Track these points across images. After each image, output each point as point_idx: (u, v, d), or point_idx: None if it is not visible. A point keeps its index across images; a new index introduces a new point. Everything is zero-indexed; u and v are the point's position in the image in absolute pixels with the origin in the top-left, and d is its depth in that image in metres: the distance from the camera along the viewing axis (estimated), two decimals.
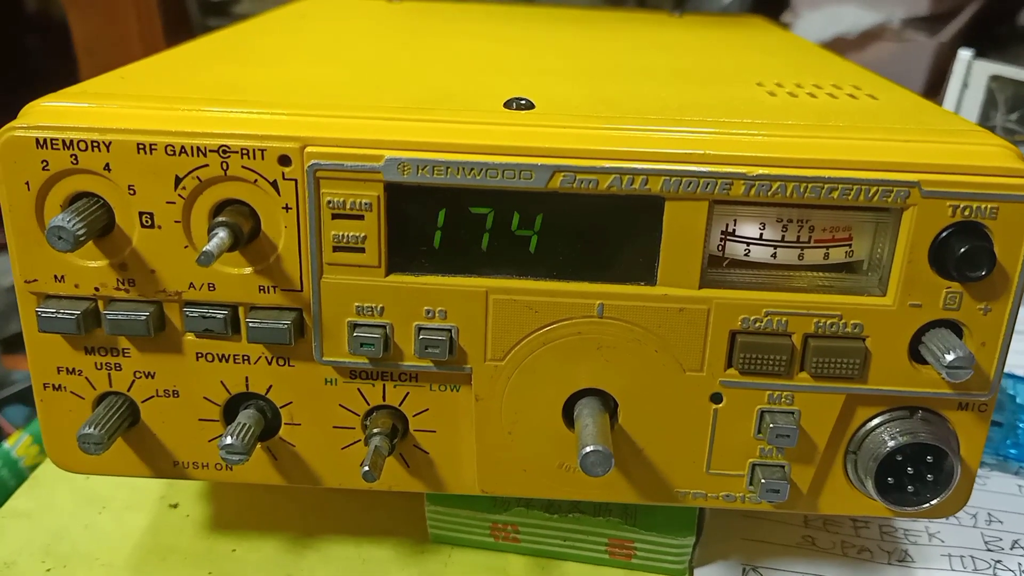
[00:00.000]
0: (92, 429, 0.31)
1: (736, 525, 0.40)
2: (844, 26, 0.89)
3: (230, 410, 0.34)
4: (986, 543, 0.40)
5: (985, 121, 0.68)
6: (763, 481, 0.32)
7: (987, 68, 0.64)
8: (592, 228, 0.30)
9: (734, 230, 0.30)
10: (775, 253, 0.31)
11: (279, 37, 0.47)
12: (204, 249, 0.28)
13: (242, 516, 0.41)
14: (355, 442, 0.34)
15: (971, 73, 0.65)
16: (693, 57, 0.46)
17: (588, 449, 0.29)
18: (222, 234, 0.29)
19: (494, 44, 0.48)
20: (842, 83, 0.38)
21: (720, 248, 0.31)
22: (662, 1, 0.87)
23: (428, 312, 0.31)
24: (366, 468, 0.31)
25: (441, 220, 0.30)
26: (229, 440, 0.31)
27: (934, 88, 0.88)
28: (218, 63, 0.38)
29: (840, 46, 0.87)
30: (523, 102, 0.32)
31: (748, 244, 0.30)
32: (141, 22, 1.04)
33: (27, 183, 0.30)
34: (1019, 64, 0.68)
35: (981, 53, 0.69)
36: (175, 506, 0.41)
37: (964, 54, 0.65)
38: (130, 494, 0.42)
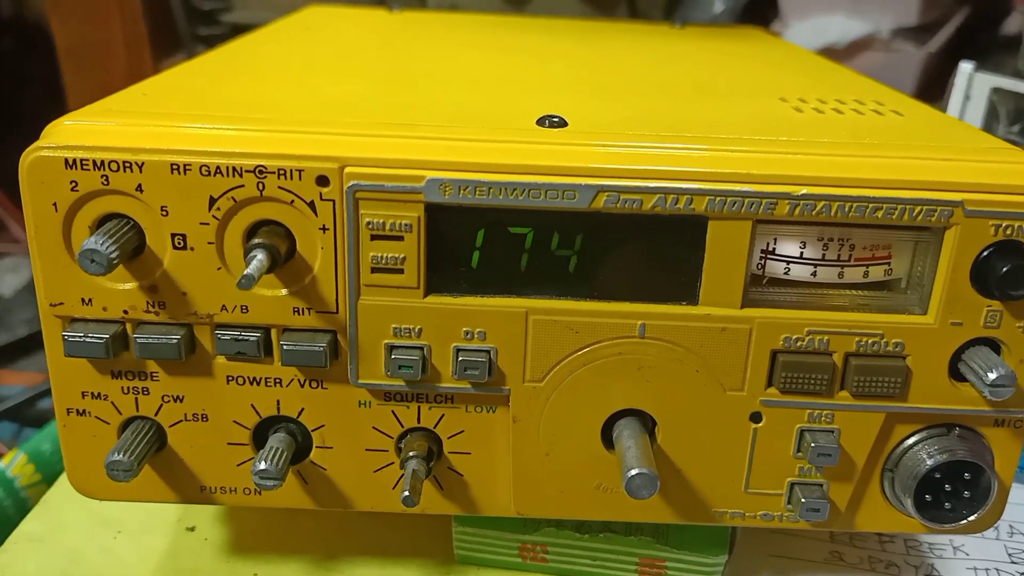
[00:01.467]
0: (121, 456, 0.30)
1: (763, 541, 0.40)
2: (833, 36, 0.90)
3: (259, 434, 0.33)
4: (1010, 555, 0.40)
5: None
6: (803, 500, 0.32)
7: (988, 80, 0.65)
8: (633, 248, 0.30)
9: (774, 248, 0.30)
10: (815, 271, 0.30)
11: (290, 51, 0.46)
12: (245, 273, 0.27)
13: (262, 539, 0.40)
14: (388, 465, 0.33)
15: (972, 85, 0.65)
16: (709, 70, 0.46)
17: (634, 472, 0.29)
18: (260, 256, 0.28)
19: (507, 56, 0.48)
20: (863, 98, 0.39)
21: (760, 267, 0.30)
22: (652, 10, 0.88)
23: (467, 333, 0.31)
24: (406, 493, 0.30)
25: (479, 240, 0.30)
26: (263, 465, 0.30)
27: (923, 98, 0.89)
28: (237, 78, 0.38)
29: (829, 56, 0.88)
30: (555, 119, 0.32)
31: (788, 263, 0.30)
32: (125, 27, 1.03)
33: (55, 204, 0.29)
34: (1003, 72, 0.69)
35: (966, 57, 0.69)
36: (192, 529, 0.41)
37: (965, 67, 0.65)
38: (146, 517, 0.41)
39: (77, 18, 1.03)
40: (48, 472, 0.64)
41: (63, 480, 0.44)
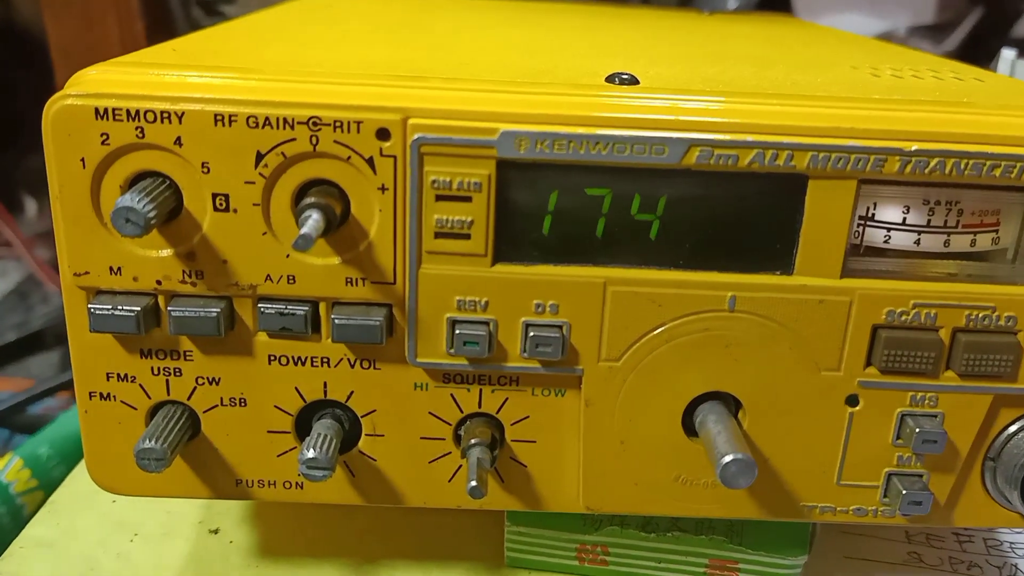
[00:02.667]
0: (154, 443, 0.27)
1: (838, 542, 0.37)
2: None
3: (301, 422, 0.30)
4: None
5: None
6: (903, 492, 0.29)
7: None
8: (722, 211, 0.27)
9: (874, 214, 0.28)
10: (919, 239, 0.28)
11: (323, 20, 0.43)
12: (302, 232, 0.24)
13: (292, 541, 0.37)
14: (444, 455, 0.30)
15: (1015, 72, 0.63)
16: (764, 46, 0.44)
17: (728, 458, 0.26)
18: (316, 216, 0.25)
19: (549, 31, 0.45)
20: (935, 68, 0.36)
21: (857, 234, 0.28)
22: (664, 5, 0.86)
23: (538, 307, 0.28)
24: (473, 483, 0.27)
25: (552, 203, 0.27)
26: (311, 453, 0.27)
27: None
28: (275, 43, 0.35)
29: None
30: (626, 77, 0.29)
31: (889, 229, 0.28)
32: (121, 25, 1.00)
33: (82, 160, 0.26)
34: None
35: (976, 63, 0.68)
36: (216, 531, 0.37)
37: (1008, 54, 0.63)
38: (164, 519, 0.38)
39: (72, 17, 1.00)
40: (45, 478, 0.61)
41: (71, 480, 0.41)
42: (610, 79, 0.29)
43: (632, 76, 0.29)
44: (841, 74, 0.33)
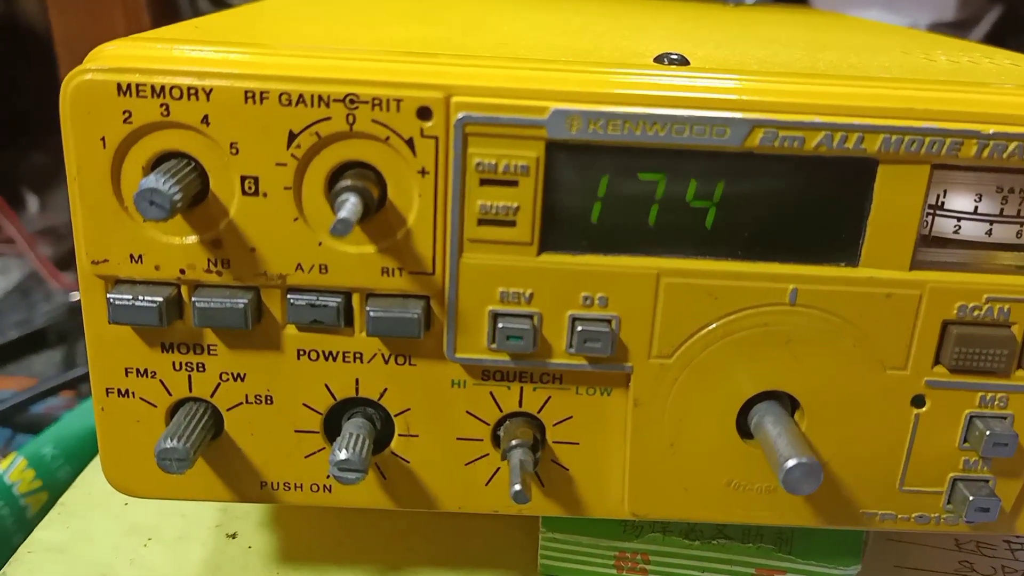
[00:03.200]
0: (176, 442, 0.26)
1: (885, 551, 0.35)
2: None
3: (330, 421, 0.28)
4: None
5: None
6: (970, 499, 0.27)
7: None
8: (784, 198, 0.26)
9: (943, 203, 0.26)
10: (991, 229, 0.26)
11: (345, 3, 0.42)
12: (340, 216, 0.23)
13: (313, 547, 0.35)
14: (482, 456, 0.28)
15: None
16: (806, 31, 0.42)
17: (792, 462, 0.24)
18: (354, 199, 0.23)
19: (585, 17, 0.43)
20: (989, 55, 0.34)
21: (926, 225, 0.26)
22: None
23: (586, 299, 0.26)
24: (518, 487, 0.25)
25: (603, 189, 0.25)
26: (344, 454, 0.26)
27: None
28: (302, 23, 0.33)
29: None
30: (675, 57, 0.28)
31: (960, 219, 0.26)
32: (128, 19, 0.98)
33: (103, 139, 0.24)
34: None
35: None
36: (233, 536, 0.35)
37: None
38: (179, 522, 0.36)
39: (77, 11, 0.98)
40: (50, 479, 0.59)
41: (82, 481, 0.39)
42: (659, 59, 0.27)
43: (682, 56, 0.27)
44: (896, 59, 0.32)
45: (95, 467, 0.40)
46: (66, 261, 1.10)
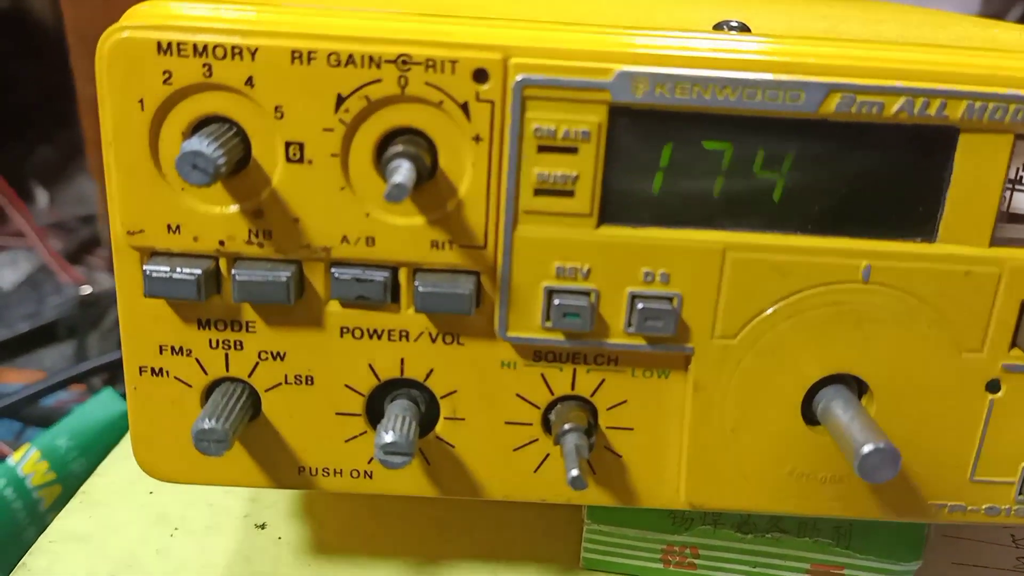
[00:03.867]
0: (214, 422, 0.24)
1: (942, 547, 0.34)
2: None
3: (372, 404, 0.27)
4: None
5: None
6: None
7: None
8: (857, 169, 0.24)
9: (1022, 176, 0.25)
10: None
11: None
12: (395, 181, 0.21)
13: (346, 538, 0.34)
14: (531, 442, 0.27)
15: None
16: (858, 10, 0.41)
17: (869, 448, 0.23)
18: (407, 165, 0.22)
19: None
20: None
21: (1005, 200, 0.25)
22: None
23: (647, 275, 0.25)
24: (575, 472, 0.24)
25: (665, 158, 0.24)
26: (390, 437, 0.24)
27: None
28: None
29: None
30: (735, 24, 0.26)
31: None
32: None
33: (141, 101, 0.23)
34: None
35: None
36: (263, 526, 0.34)
37: None
38: (207, 512, 0.35)
39: (90, 1, 0.97)
40: (64, 472, 0.58)
41: (105, 469, 0.38)
42: (718, 27, 0.26)
43: (742, 23, 0.26)
44: (959, 32, 0.30)
45: (118, 455, 0.38)
46: (76, 255, 1.09)
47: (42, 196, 1.22)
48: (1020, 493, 0.27)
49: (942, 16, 0.40)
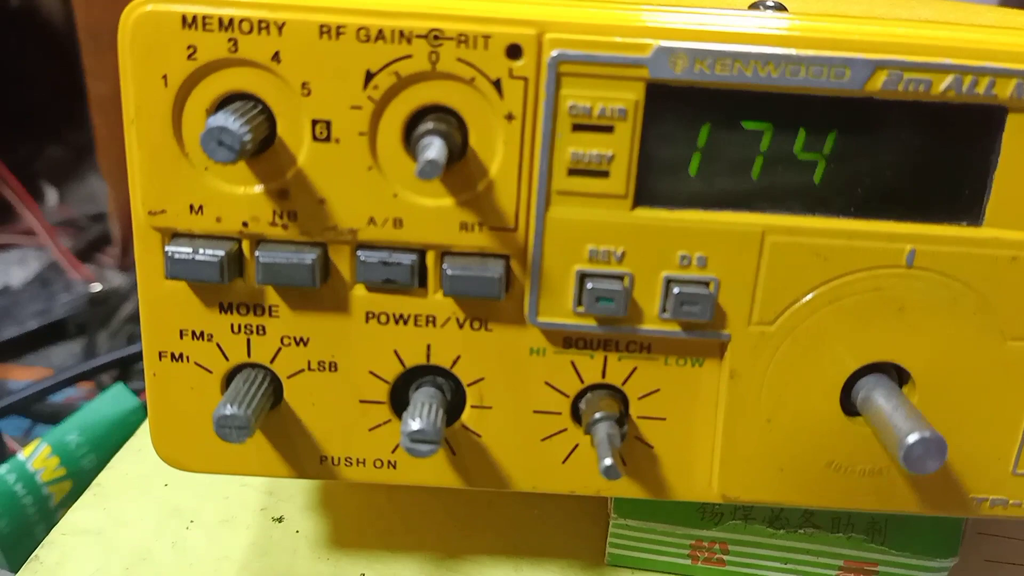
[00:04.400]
0: (236, 408, 0.24)
1: (976, 544, 0.33)
2: None
3: (397, 392, 0.26)
4: None
5: None
6: None
7: None
8: (901, 150, 0.23)
9: None
10: None
11: None
12: (428, 157, 0.21)
13: (365, 532, 0.33)
14: (559, 431, 0.26)
15: None
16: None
17: (915, 437, 0.22)
18: (439, 142, 0.21)
19: None
20: None
21: None
22: None
23: (683, 259, 0.24)
24: (609, 461, 0.23)
25: (703, 139, 0.23)
26: (417, 424, 0.24)
27: None
28: None
29: None
30: (771, 4, 0.26)
31: None
32: None
33: (164, 77, 0.23)
34: None
35: None
36: (280, 520, 0.33)
37: None
38: (222, 505, 0.34)
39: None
40: (74, 467, 0.57)
41: (118, 461, 0.37)
42: (754, 7, 0.25)
43: (779, 3, 0.25)
44: (997, 16, 0.30)
45: (131, 448, 0.38)
46: (86, 252, 1.09)
47: (52, 194, 1.21)
48: None
49: (978, 6, 0.39)
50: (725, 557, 0.31)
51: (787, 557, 0.30)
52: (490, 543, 0.33)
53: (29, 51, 1.18)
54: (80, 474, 0.57)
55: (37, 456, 0.60)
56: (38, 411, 0.80)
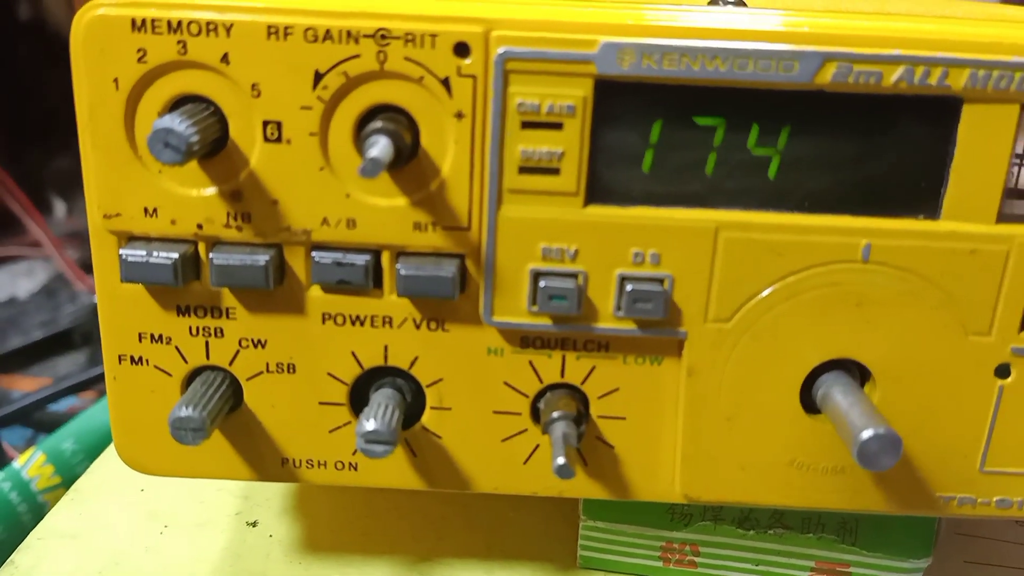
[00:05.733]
0: (191, 410, 0.24)
1: (955, 545, 0.32)
2: None
3: (357, 393, 0.26)
4: None
5: None
6: None
7: None
8: (856, 144, 0.23)
9: None
10: None
11: None
12: (370, 155, 0.21)
13: (339, 536, 0.33)
14: (520, 432, 0.26)
15: None
16: None
17: (869, 433, 0.22)
18: (384, 140, 0.21)
19: None
20: None
21: (1013, 176, 0.24)
22: None
23: (636, 256, 0.24)
24: (562, 460, 0.23)
25: (655, 135, 0.23)
26: (372, 425, 0.23)
27: None
28: None
29: None
30: (730, 0, 0.25)
31: None
32: None
33: (115, 81, 0.23)
34: None
35: None
36: (254, 524, 0.33)
37: None
38: (198, 509, 0.34)
39: None
40: (69, 475, 0.58)
41: (96, 467, 0.37)
42: (714, 2, 0.25)
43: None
44: (971, 8, 0.29)
45: (110, 453, 0.38)
46: (92, 264, 1.10)
47: (59, 206, 1.23)
48: None
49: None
50: (696, 559, 0.30)
51: (758, 558, 0.30)
52: (464, 546, 0.33)
53: (37, 63, 1.19)
54: (75, 481, 0.57)
55: (32, 464, 0.60)
56: (40, 421, 0.80)
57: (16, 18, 1.25)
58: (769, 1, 0.27)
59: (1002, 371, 0.25)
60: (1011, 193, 0.24)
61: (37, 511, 0.55)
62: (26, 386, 0.91)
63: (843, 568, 0.29)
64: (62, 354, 0.97)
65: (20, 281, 1.10)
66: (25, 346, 0.95)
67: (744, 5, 0.25)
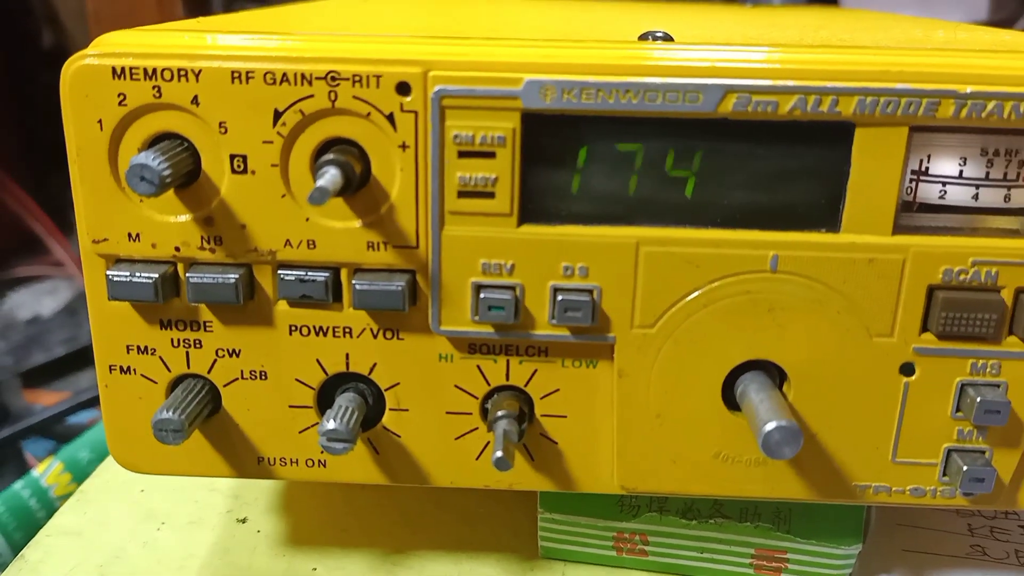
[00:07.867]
0: (171, 413, 0.26)
1: (895, 536, 0.35)
2: None
3: (324, 396, 0.29)
4: None
5: None
6: (964, 469, 0.27)
7: None
8: (762, 165, 0.26)
9: (927, 168, 0.26)
10: (977, 194, 0.26)
11: (351, 5, 0.43)
12: (317, 184, 0.23)
13: (321, 531, 0.36)
14: (471, 430, 0.29)
15: None
16: (815, 19, 0.42)
17: (772, 426, 0.24)
18: (333, 171, 0.24)
19: (590, 13, 0.44)
20: (993, 32, 0.34)
21: (910, 191, 0.26)
22: None
23: (566, 269, 0.26)
24: (499, 454, 0.26)
25: (581, 160, 0.26)
26: (332, 424, 0.26)
27: None
28: (298, 16, 0.34)
29: None
30: (660, 35, 0.28)
31: (945, 183, 0.26)
32: (162, 13, 1.02)
33: (99, 122, 0.26)
34: None
35: None
36: (243, 521, 0.36)
37: None
38: (192, 508, 0.37)
39: (116, 15, 1.03)
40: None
41: (102, 469, 0.40)
42: (643, 37, 0.28)
43: (667, 34, 0.28)
44: (892, 35, 0.32)
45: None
46: None
47: None
48: (944, 474, 0.28)
49: (891, 21, 0.41)
50: (647, 548, 0.33)
51: (702, 547, 0.32)
52: (435, 539, 0.35)
53: (59, 89, 1.24)
54: None
55: (51, 472, 0.64)
56: (61, 433, 0.84)
57: (39, 46, 1.29)
58: (696, 36, 0.30)
59: (906, 369, 0.27)
60: (907, 208, 0.26)
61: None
62: (48, 400, 0.95)
63: (780, 555, 0.32)
64: (83, 369, 1.01)
65: (44, 300, 1.14)
66: (48, 362, 0.99)
67: (671, 39, 0.28)
